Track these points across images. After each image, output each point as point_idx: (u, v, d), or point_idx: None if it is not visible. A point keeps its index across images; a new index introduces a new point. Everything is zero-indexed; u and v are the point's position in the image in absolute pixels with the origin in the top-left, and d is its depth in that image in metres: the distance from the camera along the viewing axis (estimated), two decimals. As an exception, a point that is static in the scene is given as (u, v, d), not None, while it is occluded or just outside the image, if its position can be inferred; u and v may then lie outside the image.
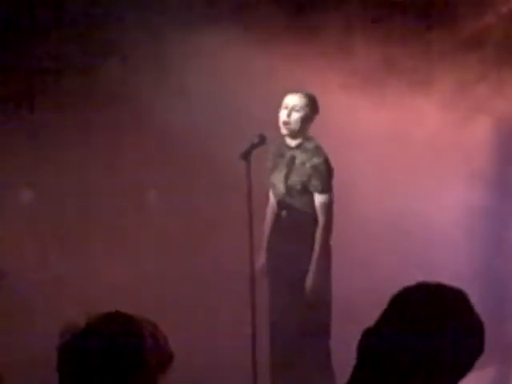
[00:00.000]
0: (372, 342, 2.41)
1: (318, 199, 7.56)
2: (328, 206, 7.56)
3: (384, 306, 2.49)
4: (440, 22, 10.28)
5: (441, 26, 10.26)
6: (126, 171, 9.02)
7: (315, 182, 7.54)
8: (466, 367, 2.42)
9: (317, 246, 7.52)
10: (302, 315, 7.51)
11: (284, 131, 7.58)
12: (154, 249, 8.63)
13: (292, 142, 7.65)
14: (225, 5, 9.32)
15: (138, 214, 8.69)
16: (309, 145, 7.62)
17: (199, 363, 6.52)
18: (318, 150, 7.61)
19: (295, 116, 7.52)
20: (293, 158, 7.64)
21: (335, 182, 7.73)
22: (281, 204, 7.74)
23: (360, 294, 7.61)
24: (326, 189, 7.55)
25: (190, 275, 8.33)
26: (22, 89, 9.37)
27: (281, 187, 7.69)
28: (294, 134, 7.59)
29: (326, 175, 7.55)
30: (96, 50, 9.24)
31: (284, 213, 7.73)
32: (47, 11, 9.27)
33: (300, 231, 7.67)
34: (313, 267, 7.48)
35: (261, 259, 7.57)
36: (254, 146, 7.27)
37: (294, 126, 7.53)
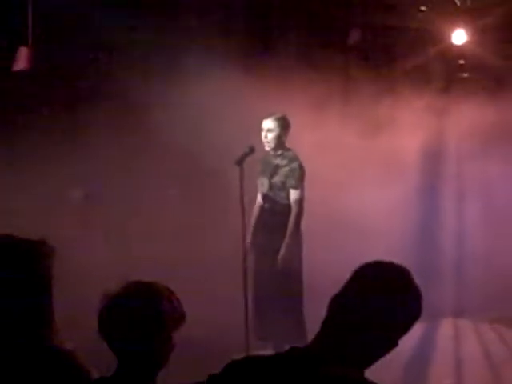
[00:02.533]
0: (338, 303, 2.41)
1: (293, 194, 7.67)
2: (300, 199, 7.67)
3: (338, 279, 2.52)
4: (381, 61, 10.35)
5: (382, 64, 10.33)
6: (152, 176, 9.01)
7: (291, 181, 7.65)
8: (409, 324, 2.44)
9: (290, 227, 7.61)
10: (277, 279, 7.59)
11: (266, 148, 7.71)
12: (171, 236, 8.60)
13: (275, 153, 7.74)
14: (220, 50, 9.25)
15: (160, 209, 8.64)
16: (287, 154, 7.76)
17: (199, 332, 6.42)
18: (294, 157, 7.75)
19: (270, 136, 7.66)
20: (276, 164, 7.75)
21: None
22: (265, 197, 7.84)
23: (322, 268, 7.63)
24: (299, 186, 7.67)
25: (197, 257, 8.32)
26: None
27: (266, 185, 7.80)
28: (274, 148, 7.71)
29: (299, 176, 7.67)
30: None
31: (267, 204, 7.83)
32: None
33: (278, 217, 7.74)
34: (286, 241, 7.56)
35: (247, 239, 7.57)
36: (245, 155, 7.29)
37: (271, 143, 7.68)
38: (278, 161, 7.74)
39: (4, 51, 8.89)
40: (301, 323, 7.54)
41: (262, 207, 7.88)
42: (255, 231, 7.83)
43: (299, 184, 7.67)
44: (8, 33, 8.94)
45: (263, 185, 7.82)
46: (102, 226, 8.46)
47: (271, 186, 7.76)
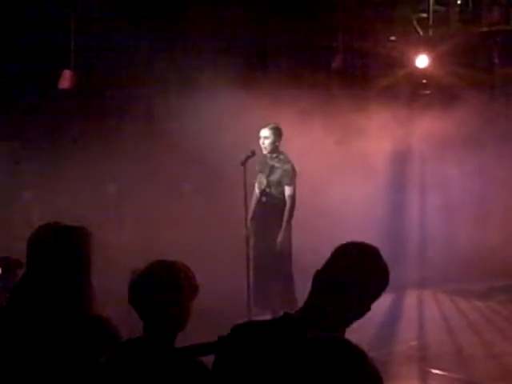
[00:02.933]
0: (321, 277, 2.41)
1: (287, 190, 7.66)
2: (292, 194, 7.66)
3: (322, 257, 2.53)
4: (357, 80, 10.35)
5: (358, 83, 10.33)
6: (172, 175, 9.01)
7: (286, 180, 7.65)
8: (379, 293, 2.43)
9: (286, 216, 7.62)
10: (273, 259, 7.61)
11: (264, 151, 7.71)
12: (187, 225, 8.60)
13: (271, 156, 7.74)
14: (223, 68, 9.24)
15: (178, 202, 8.63)
16: (282, 156, 7.75)
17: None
18: (287, 160, 7.74)
19: (267, 142, 7.67)
20: (272, 165, 7.75)
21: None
22: (263, 193, 7.82)
23: (310, 250, 7.62)
24: (292, 184, 7.66)
25: (209, 241, 8.31)
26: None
27: (264, 182, 7.78)
28: (270, 152, 7.71)
29: (292, 176, 7.67)
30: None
31: (264, 198, 7.80)
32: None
33: (274, 209, 7.73)
34: (282, 229, 7.57)
35: (248, 226, 7.58)
36: (248, 157, 7.29)
37: (268, 148, 7.68)
38: (273, 162, 7.74)
39: (52, 72, 8.90)
40: (292, 294, 7.55)
41: (259, 201, 7.84)
42: (253, 220, 7.79)
43: (292, 182, 7.67)
44: (54, 57, 8.94)
45: (261, 182, 7.80)
46: (131, 217, 8.45)
47: (269, 184, 7.75)
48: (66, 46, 8.87)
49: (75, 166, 8.25)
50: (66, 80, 8.81)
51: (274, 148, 7.72)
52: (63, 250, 2.98)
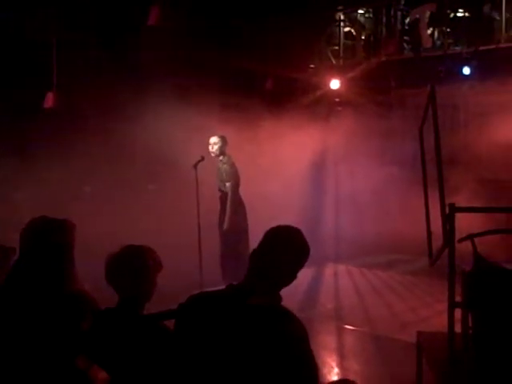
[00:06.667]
0: (257, 254, 2.38)
1: (227, 185, 7.64)
2: (232, 188, 7.60)
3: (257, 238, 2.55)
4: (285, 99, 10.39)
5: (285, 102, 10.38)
6: (137, 176, 8.85)
7: (226, 177, 7.64)
8: (302, 264, 2.41)
9: (227, 207, 7.59)
10: (229, 242, 7.60)
11: (212, 155, 7.66)
12: (151, 217, 8.47)
13: (219, 159, 7.71)
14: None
15: (144, 198, 8.47)
16: (225, 159, 7.72)
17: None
18: (228, 161, 7.70)
19: (214, 148, 7.64)
20: (220, 166, 7.72)
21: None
22: (219, 190, 7.78)
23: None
24: (231, 180, 7.61)
25: (169, 229, 8.20)
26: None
27: (218, 180, 7.75)
28: (217, 155, 7.68)
29: (230, 173, 7.63)
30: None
31: (219, 193, 7.77)
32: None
33: (223, 203, 7.71)
34: (226, 218, 7.56)
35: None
36: (199, 161, 7.24)
37: (215, 152, 7.65)
38: (220, 164, 7.71)
39: (35, 94, 8.63)
40: (243, 271, 7.49)
41: (219, 196, 7.79)
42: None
43: (231, 179, 7.61)
44: (38, 80, 8.66)
45: (218, 180, 7.76)
46: (105, 211, 8.27)
47: (220, 181, 7.72)
48: (48, 70, 8.62)
49: (57, 172, 8.05)
50: (48, 101, 8.58)
51: (221, 152, 7.68)
52: (51, 238, 2.94)
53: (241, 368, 2.23)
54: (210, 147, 7.68)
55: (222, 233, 7.68)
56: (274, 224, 2.49)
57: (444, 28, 10.29)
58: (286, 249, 2.41)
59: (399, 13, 11.07)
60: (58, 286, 2.87)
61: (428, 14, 10.46)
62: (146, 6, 8.53)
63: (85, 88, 8.73)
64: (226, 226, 7.58)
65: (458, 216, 3.34)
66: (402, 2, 11.06)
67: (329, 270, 9.41)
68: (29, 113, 8.45)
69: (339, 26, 11.70)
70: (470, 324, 3.45)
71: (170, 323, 2.53)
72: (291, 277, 2.42)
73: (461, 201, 3.49)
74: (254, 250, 2.43)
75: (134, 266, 2.76)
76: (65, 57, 8.73)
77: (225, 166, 7.68)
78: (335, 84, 10.80)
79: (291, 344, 2.25)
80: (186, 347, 2.33)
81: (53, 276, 2.88)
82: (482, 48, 9.67)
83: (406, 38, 11.00)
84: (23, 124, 8.46)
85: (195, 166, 7.17)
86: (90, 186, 8.97)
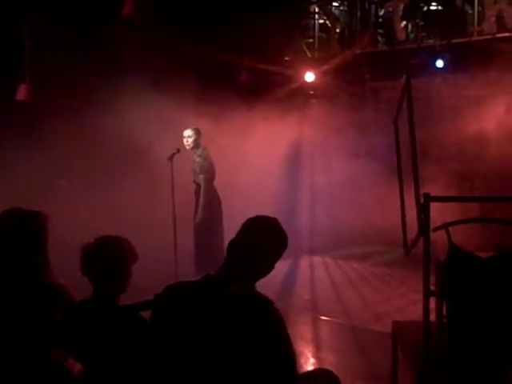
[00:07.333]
0: (234, 244, 2.38)
1: (201, 177, 7.60)
2: (205, 180, 7.56)
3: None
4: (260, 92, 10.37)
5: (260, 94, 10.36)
6: (113, 169, 8.73)
7: (200, 169, 7.59)
8: (279, 255, 2.42)
9: (201, 199, 7.56)
10: (203, 233, 7.56)
11: (187, 147, 7.60)
12: (128, 208, 8.38)
13: (193, 151, 7.66)
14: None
15: (119, 191, 8.35)
16: (199, 152, 7.67)
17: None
18: (202, 153, 7.65)
19: (188, 140, 7.60)
20: (194, 159, 7.67)
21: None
22: (194, 181, 7.72)
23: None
24: (204, 172, 7.58)
25: (143, 222, 8.11)
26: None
27: (193, 174, 7.70)
28: (192, 148, 7.63)
29: (203, 165, 7.59)
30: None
31: (194, 185, 7.71)
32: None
33: (197, 195, 7.67)
34: (199, 210, 7.55)
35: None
36: (174, 154, 7.17)
37: (190, 145, 7.60)
38: (195, 157, 7.66)
39: (8, 86, 8.47)
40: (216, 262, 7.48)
41: (194, 188, 7.74)
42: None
43: (203, 170, 7.58)
44: (10, 72, 8.49)
45: (193, 172, 7.70)
46: (80, 203, 8.16)
47: (194, 173, 7.67)
48: (21, 62, 8.45)
49: (34, 165, 7.92)
50: (21, 93, 8.43)
51: (196, 145, 7.63)
52: (25, 229, 2.91)
53: (219, 356, 2.23)
54: (185, 140, 7.62)
55: (195, 225, 7.64)
56: (249, 216, 2.47)
57: (417, 21, 10.37)
58: (264, 238, 2.40)
59: (373, 6, 11.12)
60: (31, 277, 2.84)
61: (402, 7, 10.53)
62: (120, -3, 8.43)
63: (58, 80, 8.59)
64: (198, 217, 7.55)
65: (431, 208, 3.36)
66: (376, -5, 11.13)
67: (305, 262, 9.45)
68: (0, 104, 8.29)
69: (314, 18, 11.71)
70: (445, 313, 3.48)
71: (146, 314, 2.51)
72: (269, 267, 2.41)
73: (434, 192, 3.49)
74: (232, 240, 2.42)
75: (109, 255, 2.73)
76: (38, 48, 8.57)
77: (199, 158, 7.62)
78: (310, 77, 10.81)
79: (269, 331, 2.25)
80: (163, 337, 2.31)
81: (25, 267, 2.85)
82: (454, 41, 9.79)
83: (379, 30, 11.05)
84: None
85: (170, 158, 7.11)
86: (64, 179, 8.84)
